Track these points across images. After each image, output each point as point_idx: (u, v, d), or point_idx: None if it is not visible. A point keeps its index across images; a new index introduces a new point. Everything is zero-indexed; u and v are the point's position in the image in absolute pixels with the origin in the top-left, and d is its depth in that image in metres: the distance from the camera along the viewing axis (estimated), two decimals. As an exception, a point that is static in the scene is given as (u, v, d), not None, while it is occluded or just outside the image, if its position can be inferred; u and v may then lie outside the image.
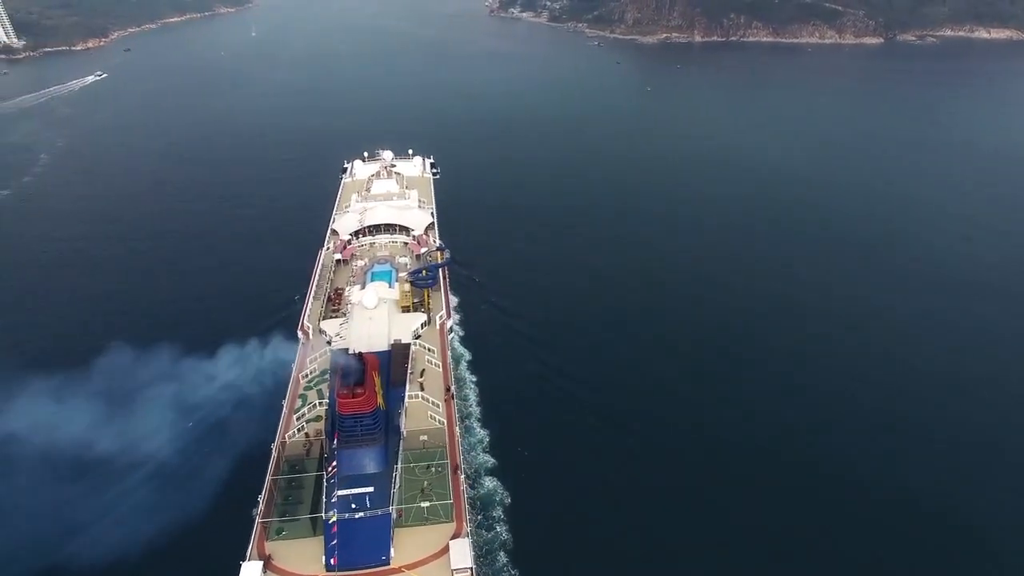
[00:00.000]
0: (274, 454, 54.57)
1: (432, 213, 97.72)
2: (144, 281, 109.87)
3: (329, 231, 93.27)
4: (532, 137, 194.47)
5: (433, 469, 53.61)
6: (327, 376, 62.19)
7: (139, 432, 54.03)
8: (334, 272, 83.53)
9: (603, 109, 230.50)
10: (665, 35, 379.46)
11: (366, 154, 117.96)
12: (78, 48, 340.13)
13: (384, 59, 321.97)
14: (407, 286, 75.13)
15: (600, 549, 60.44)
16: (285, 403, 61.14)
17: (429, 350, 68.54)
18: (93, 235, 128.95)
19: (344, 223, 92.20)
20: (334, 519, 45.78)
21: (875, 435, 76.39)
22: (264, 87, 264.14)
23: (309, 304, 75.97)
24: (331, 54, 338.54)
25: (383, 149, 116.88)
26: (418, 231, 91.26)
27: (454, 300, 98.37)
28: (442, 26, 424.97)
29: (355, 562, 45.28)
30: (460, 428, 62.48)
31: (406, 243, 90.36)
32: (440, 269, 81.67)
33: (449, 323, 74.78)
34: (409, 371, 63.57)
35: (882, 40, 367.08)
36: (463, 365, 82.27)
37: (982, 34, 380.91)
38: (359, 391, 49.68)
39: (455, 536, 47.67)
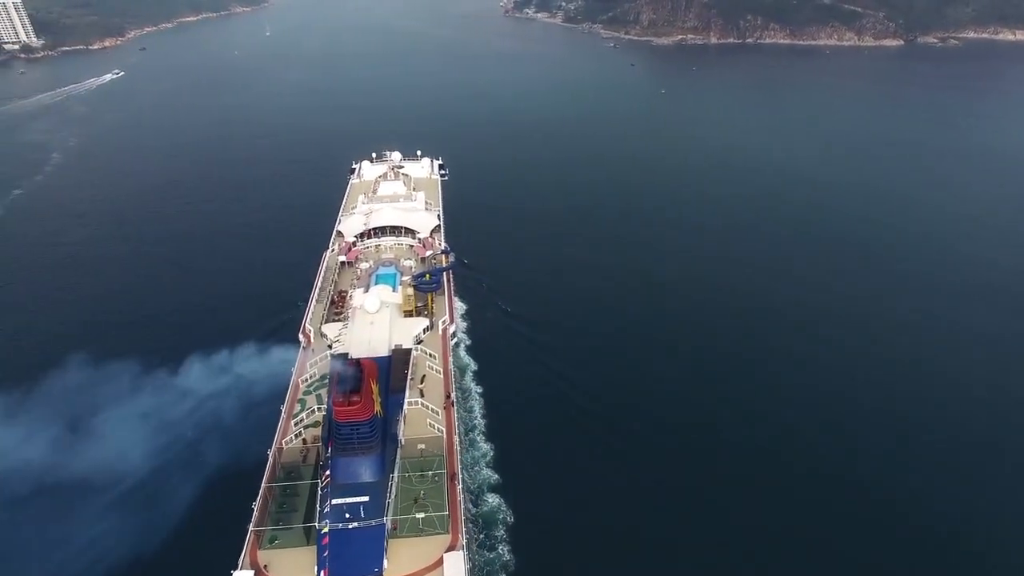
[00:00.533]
0: (270, 460, 53.79)
1: (439, 215, 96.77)
2: (147, 282, 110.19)
3: (335, 233, 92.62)
4: (543, 139, 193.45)
5: (430, 478, 52.56)
6: (327, 381, 61.45)
7: (133, 435, 53.54)
8: (338, 274, 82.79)
9: (616, 112, 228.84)
10: (680, 37, 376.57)
11: (374, 155, 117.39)
12: (95, 47, 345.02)
13: (397, 59, 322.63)
14: (410, 290, 74.10)
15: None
16: (284, 408, 60.33)
17: (431, 356, 67.46)
18: (99, 236, 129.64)
19: (349, 225, 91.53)
20: (326, 529, 44.91)
21: (881, 437, 75.90)
22: (276, 87, 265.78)
23: (312, 307, 75.30)
24: (344, 54, 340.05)
25: (392, 150, 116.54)
26: (424, 233, 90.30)
27: (461, 307, 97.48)
28: (456, 26, 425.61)
29: (347, 573, 44.28)
30: (461, 438, 61.38)
31: (411, 246, 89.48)
32: (444, 273, 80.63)
33: (452, 328, 73.66)
34: (409, 377, 62.60)
35: (902, 42, 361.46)
36: (468, 375, 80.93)
37: (1007, 36, 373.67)
38: (355, 399, 48.78)
39: (450, 549, 46.58)
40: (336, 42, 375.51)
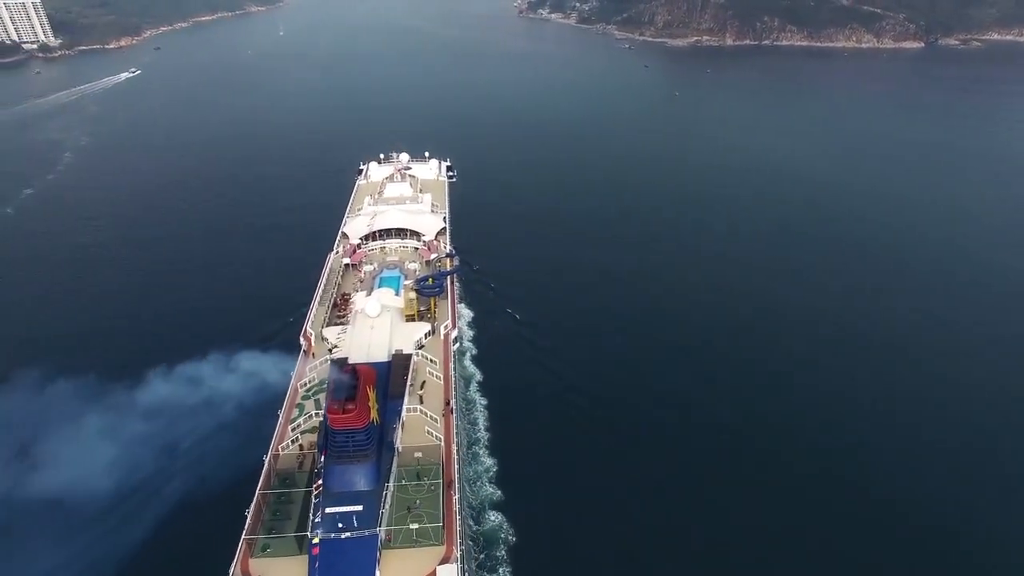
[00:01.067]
0: (265, 467, 53.14)
1: (444, 218, 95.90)
2: (149, 283, 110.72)
3: (339, 234, 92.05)
4: (554, 142, 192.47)
5: (426, 488, 51.60)
6: (326, 386, 60.70)
7: (126, 439, 53.25)
8: (342, 277, 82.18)
9: (629, 115, 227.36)
10: (696, 38, 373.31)
11: (382, 156, 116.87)
12: (111, 46, 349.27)
13: (409, 59, 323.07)
14: (412, 294, 73.22)
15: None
16: (281, 413, 59.61)
17: (431, 361, 66.54)
18: (103, 237, 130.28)
19: (355, 226, 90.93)
20: (316, 540, 44.11)
21: (882, 437, 76.03)
22: (288, 86, 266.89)
23: (314, 310, 74.54)
24: (356, 54, 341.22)
25: (400, 151, 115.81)
26: (429, 236, 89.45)
27: (468, 314, 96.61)
28: (469, 27, 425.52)
29: (338, 585, 43.55)
30: (462, 449, 60.21)
31: (417, 248, 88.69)
32: (448, 277, 79.61)
33: (454, 333, 72.51)
34: (409, 383, 61.66)
35: (922, 44, 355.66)
36: (473, 385, 79.64)
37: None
38: (350, 407, 47.85)
39: (444, 561, 45.61)
40: (348, 42, 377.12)
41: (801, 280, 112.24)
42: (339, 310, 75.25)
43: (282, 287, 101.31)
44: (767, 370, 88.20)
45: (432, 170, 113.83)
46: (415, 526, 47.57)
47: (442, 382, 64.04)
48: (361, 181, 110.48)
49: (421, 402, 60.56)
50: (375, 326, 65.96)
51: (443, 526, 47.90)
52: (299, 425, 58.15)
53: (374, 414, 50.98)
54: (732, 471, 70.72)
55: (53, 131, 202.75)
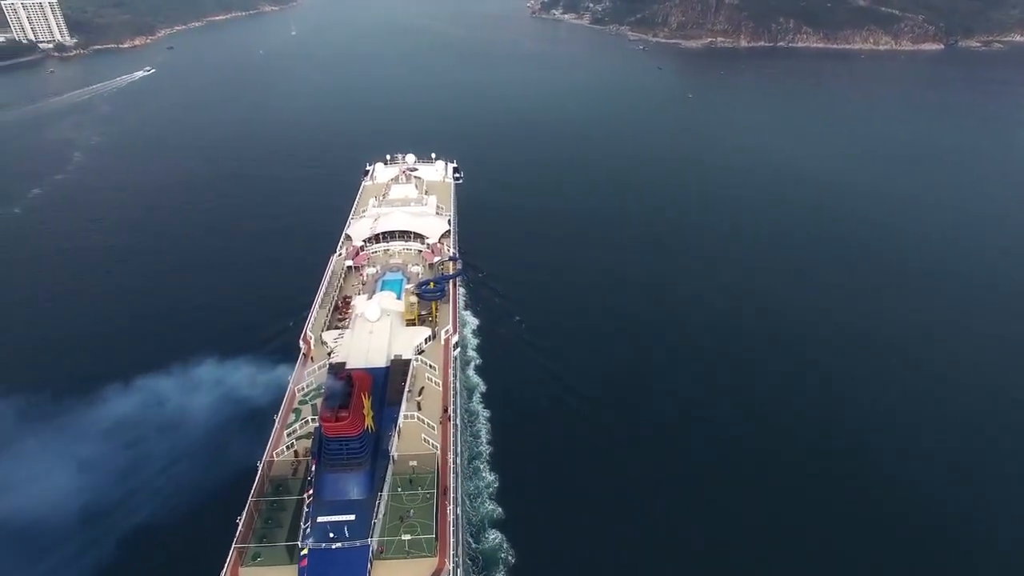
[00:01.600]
0: (259, 473, 52.41)
1: (449, 220, 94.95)
2: (150, 284, 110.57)
3: (343, 236, 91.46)
4: (564, 144, 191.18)
5: (421, 497, 50.62)
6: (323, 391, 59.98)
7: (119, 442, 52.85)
8: (344, 279, 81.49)
9: (641, 117, 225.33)
10: (710, 40, 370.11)
11: (388, 157, 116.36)
12: (125, 46, 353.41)
13: (419, 59, 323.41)
14: (413, 298, 72.36)
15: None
16: (277, 417, 58.84)
17: (431, 367, 65.56)
18: (107, 236, 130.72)
19: (358, 228, 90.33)
20: (305, 552, 43.29)
21: (882, 437, 75.91)
22: (298, 86, 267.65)
23: (314, 313, 73.84)
24: (367, 54, 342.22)
25: (407, 152, 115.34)
26: (433, 239, 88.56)
27: (474, 322, 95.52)
28: (482, 27, 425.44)
29: (327, 597, 42.72)
30: (457, 458, 58.88)
31: (420, 251, 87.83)
32: (451, 281, 78.70)
33: (455, 338, 71.45)
34: (407, 389, 60.74)
35: (942, 46, 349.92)
36: (476, 396, 78.06)
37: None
38: (343, 414, 46.95)
39: (436, 573, 44.59)
40: (361, 42, 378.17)
41: (810, 283, 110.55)
42: (340, 313, 74.51)
43: (285, 288, 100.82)
44: (787, 373, 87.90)
45: (438, 171, 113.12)
46: (407, 537, 46.59)
47: (441, 388, 63.11)
48: (367, 182, 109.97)
49: (419, 409, 59.54)
50: (374, 330, 65.09)
51: (436, 537, 46.90)
52: (295, 431, 57.35)
53: (369, 421, 50.14)
54: (732, 473, 70.22)
55: (65, 130, 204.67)
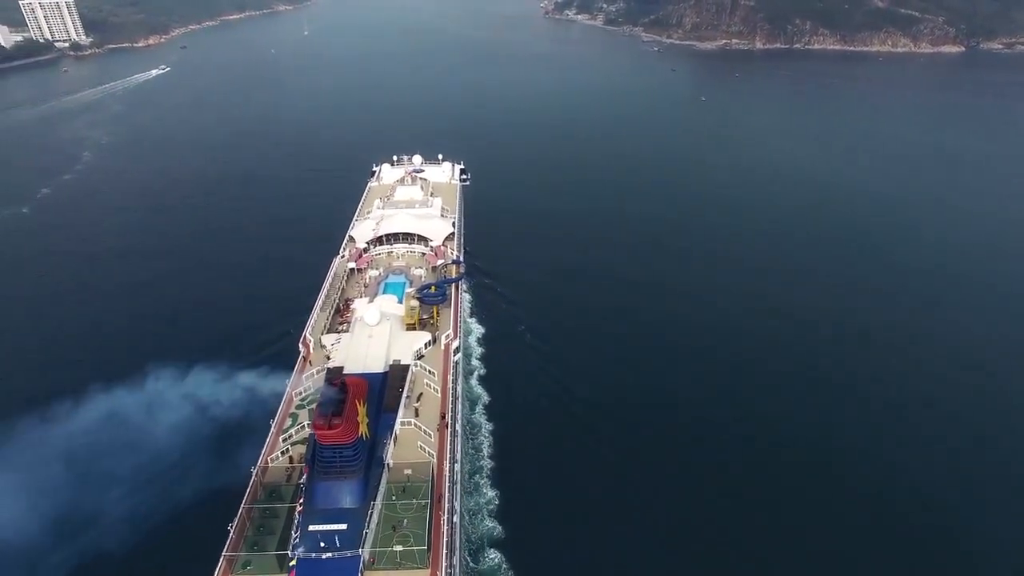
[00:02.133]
0: (252, 479, 51.67)
1: (454, 223, 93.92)
2: (151, 285, 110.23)
3: (346, 238, 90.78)
4: (575, 146, 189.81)
5: (415, 507, 49.64)
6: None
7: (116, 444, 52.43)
8: (346, 281, 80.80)
9: (652, 120, 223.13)
10: (724, 41, 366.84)
11: (395, 158, 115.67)
12: (139, 45, 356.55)
13: (430, 59, 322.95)
14: (414, 302, 71.43)
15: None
16: (274, 422, 58.11)
17: (430, 372, 64.58)
18: (108, 237, 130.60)
19: (362, 230, 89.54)
20: (294, 563, 42.50)
21: (884, 438, 75.52)
22: (307, 86, 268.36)
23: (315, 315, 73.13)
24: (378, 54, 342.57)
25: (414, 153, 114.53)
26: (436, 242, 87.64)
27: (479, 329, 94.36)
28: (495, 28, 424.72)
29: (316, 608, 41.88)
30: (457, 466, 57.90)
31: (424, 254, 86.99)
32: (452, 285, 77.70)
33: (455, 343, 70.43)
34: (405, 395, 59.83)
35: (962, 48, 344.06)
36: (480, 408, 76.64)
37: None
38: (336, 422, 46.16)
39: (428, 585, 43.74)
40: (373, 42, 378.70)
41: (820, 285, 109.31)
42: (341, 315, 73.83)
43: (288, 290, 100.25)
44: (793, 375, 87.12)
45: (445, 173, 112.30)
46: (399, 548, 45.69)
47: (439, 395, 62.09)
48: (373, 183, 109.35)
49: (416, 415, 58.59)
50: (373, 335, 64.19)
51: (428, 548, 45.92)
52: (290, 436, 56.52)
53: (363, 429, 49.28)
54: (732, 473, 69.72)
55: (76, 129, 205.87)
